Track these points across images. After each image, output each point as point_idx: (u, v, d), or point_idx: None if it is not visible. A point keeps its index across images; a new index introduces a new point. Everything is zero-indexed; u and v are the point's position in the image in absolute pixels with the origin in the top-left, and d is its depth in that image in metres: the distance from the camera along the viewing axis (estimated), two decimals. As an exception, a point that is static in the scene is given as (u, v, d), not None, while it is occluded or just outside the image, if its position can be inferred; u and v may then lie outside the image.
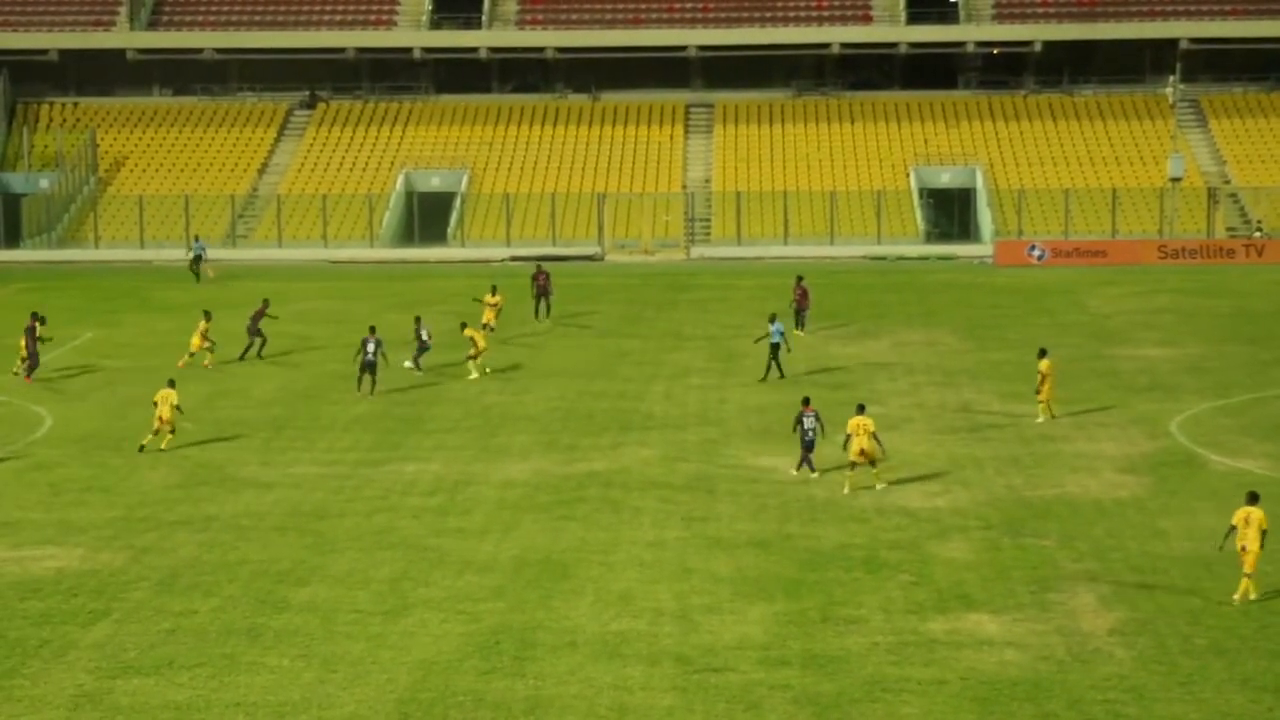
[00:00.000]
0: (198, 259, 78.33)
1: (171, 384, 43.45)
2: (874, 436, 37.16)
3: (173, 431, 42.47)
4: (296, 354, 55.94)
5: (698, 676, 25.80)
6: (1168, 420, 44.48)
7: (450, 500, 37.02)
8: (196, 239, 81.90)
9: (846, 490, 37.00)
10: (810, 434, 38.18)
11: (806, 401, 38.99)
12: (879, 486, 37.25)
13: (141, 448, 42.01)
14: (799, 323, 58.97)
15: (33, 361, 51.79)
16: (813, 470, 38.35)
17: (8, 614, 29.20)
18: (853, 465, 37.14)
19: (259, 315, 55.17)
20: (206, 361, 53.28)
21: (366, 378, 48.41)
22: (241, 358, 54.47)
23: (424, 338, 52.01)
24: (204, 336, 53.48)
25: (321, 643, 27.51)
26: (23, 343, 52.09)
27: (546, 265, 67.00)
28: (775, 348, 50.34)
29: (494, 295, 58.49)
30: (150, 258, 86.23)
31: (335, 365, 52.41)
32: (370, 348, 48.29)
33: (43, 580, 31.21)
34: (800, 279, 60.50)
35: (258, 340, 55.03)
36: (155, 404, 42.63)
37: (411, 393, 49.34)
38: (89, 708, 24.86)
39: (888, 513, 35.42)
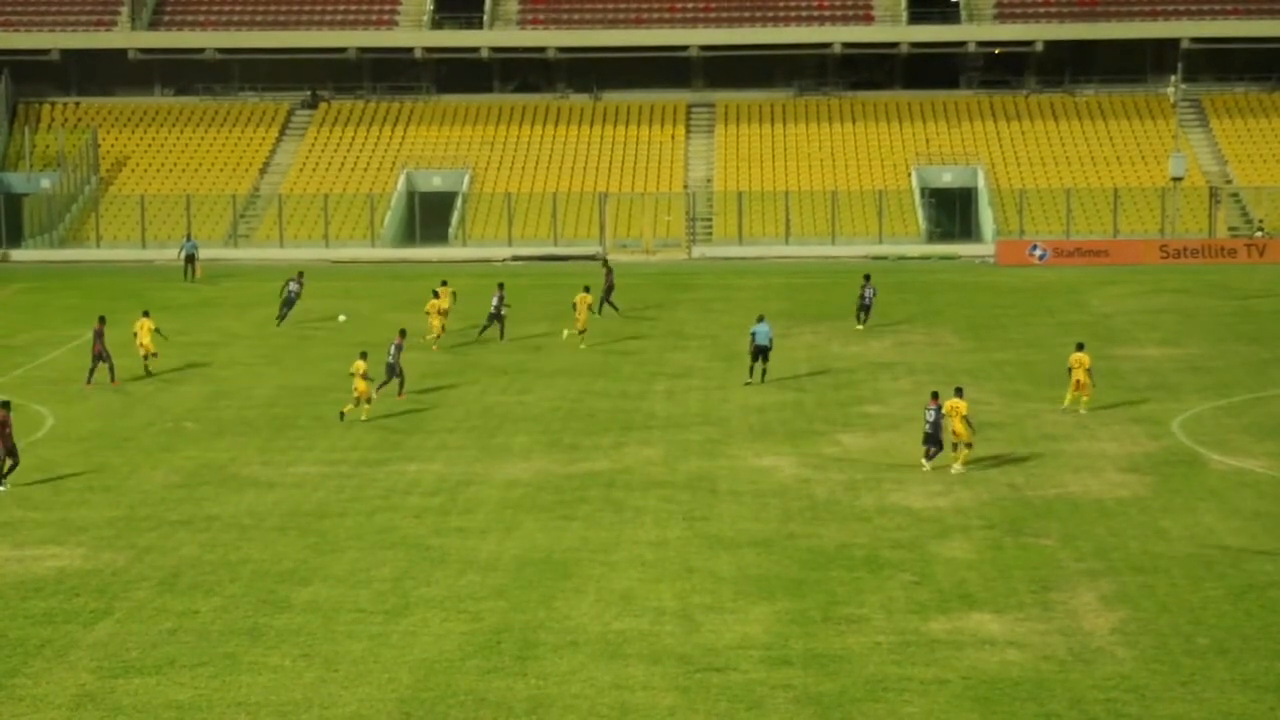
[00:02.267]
0: (190, 258, 78.35)
1: (364, 355, 45.03)
2: (966, 420, 38.34)
3: (369, 401, 44.60)
4: (298, 353, 55.93)
5: (699, 676, 25.78)
6: (1169, 420, 44.49)
7: (452, 500, 37.00)
8: (188, 238, 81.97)
9: (957, 468, 38.36)
10: (928, 426, 38.89)
11: (934, 395, 39.65)
12: (955, 468, 38.33)
13: (341, 415, 44.50)
14: (862, 320, 60.04)
15: (105, 360, 50.66)
16: (927, 461, 38.90)
17: (9, 613, 29.18)
18: (954, 446, 38.56)
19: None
20: (431, 336, 54.99)
21: (393, 381, 47.90)
22: (494, 335, 58.27)
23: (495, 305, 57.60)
24: (442, 314, 55.62)
25: (323, 642, 27.49)
26: (95, 348, 50.91)
27: (611, 262, 68.88)
28: (763, 350, 49.71)
29: (440, 295, 58.65)
30: (152, 258, 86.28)
31: (337, 365, 52.33)
32: (392, 351, 48.06)
33: (44, 580, 31.20)
34: (867, 278, 61.14)
35: (496, 324, 58.41)
36: (352, 375, 44.80)
37: (413, 394, 49.29)
38: (91, 707, 24.84)
39: (890, 512, 35.42)
